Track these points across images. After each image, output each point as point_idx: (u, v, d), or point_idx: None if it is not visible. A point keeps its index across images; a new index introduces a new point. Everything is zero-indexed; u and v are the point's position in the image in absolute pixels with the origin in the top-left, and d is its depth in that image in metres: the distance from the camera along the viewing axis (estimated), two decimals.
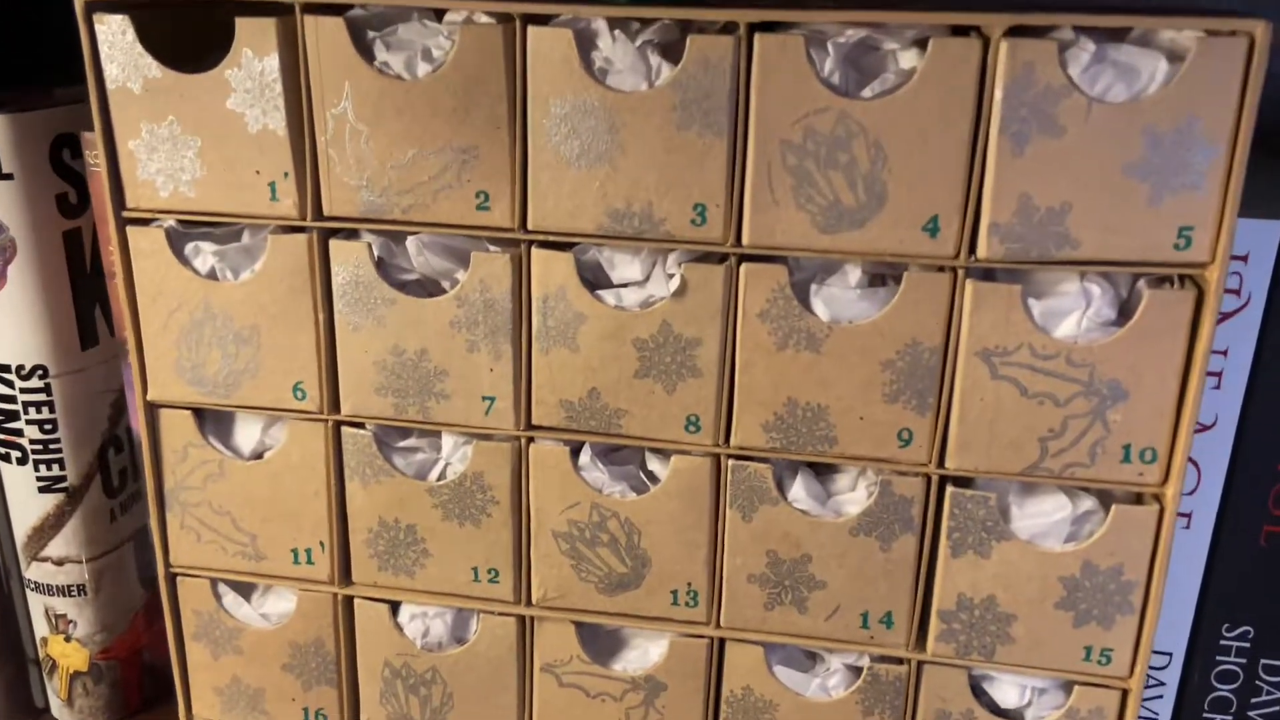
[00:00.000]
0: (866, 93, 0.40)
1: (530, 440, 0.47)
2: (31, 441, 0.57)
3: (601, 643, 0.50)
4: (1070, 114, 0.39)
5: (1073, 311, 0.42)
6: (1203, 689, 0.54)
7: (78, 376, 0.57)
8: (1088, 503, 0.44)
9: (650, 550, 0.47)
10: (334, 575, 0.50)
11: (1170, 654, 0.54)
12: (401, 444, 0.49)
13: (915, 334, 0.42)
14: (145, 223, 0.46)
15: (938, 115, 0.40)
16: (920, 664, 0.47)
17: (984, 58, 0.39)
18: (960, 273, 0.42)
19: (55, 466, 0.58)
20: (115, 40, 0.43)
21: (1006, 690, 0.47)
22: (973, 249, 0.41)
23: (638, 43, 0.41)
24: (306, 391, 0.47)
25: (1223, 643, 0.53)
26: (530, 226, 0.43)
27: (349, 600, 0.51)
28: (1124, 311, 0.42)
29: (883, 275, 0.43)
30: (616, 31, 0.41)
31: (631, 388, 0.45)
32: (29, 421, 0.56)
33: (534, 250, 0.44)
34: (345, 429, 0.48)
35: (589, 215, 0.43)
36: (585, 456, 0.47)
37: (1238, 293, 0.48)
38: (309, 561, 0.50)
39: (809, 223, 0.42)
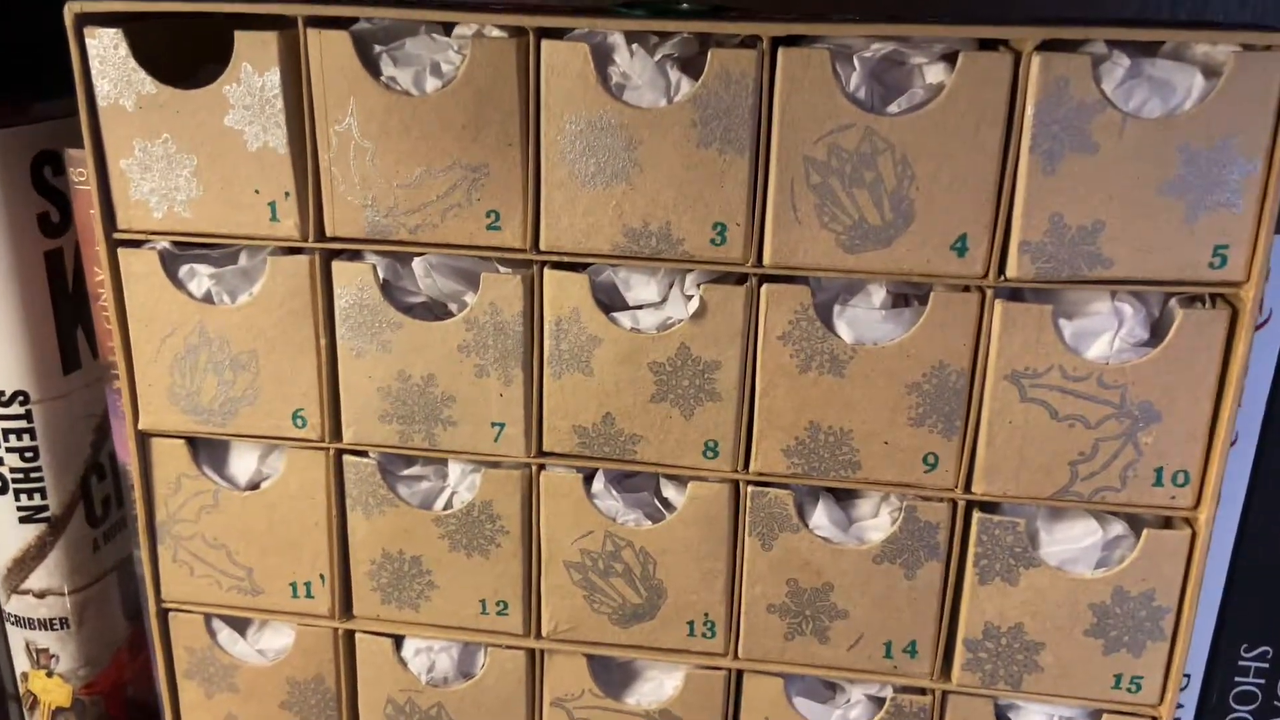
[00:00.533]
0: (893, 108, 0.39)
1: (541, 467, 0.45)
2: (12, 470, 0.55)
3: (614, 676, 0.49)
4: (1104, 130, 0.38)
5: (1104, 332, 0.40)
6: (1221, 710, 0.53)
7: (59, 402, 0.55)
8: (1118, 527, 0.43)
9: (666, 580, 0.45)
10: (335, 609, 0.48)
11: (1189, 675, 0.53)
12: (406, 472, 0.47)
13: (942, 356, 0.41)
14: (137, 244, 0.44)
15: (967, 131, 0.39)
16: (945, 694, 0.46)
17: (1015, 72, 0.38)
18: (989, 293, 0.40)
19: (36, 496, 0.55)
20: (107, 55, 0.41)
21: None
22: (1002, 269, 0.40)
23: (656, 57, 0.40)
24: (307, 419, 0.45)
25: (1241, 663, 0.52)
26: (543, 247, 0.42)
27: (350, 635, 0.49)
28: (1155, 332, 0.41)
29: (908, 296, 0.42)
30: (634, 45, 0.40)
31: (647, 412, 0.43)
32: (9, 449, 0.54)
33: (547, 271, 0.42)
34: (347, 457, 0.46)
35: (604, 235, 0.41)
36: (599, 484, 0.45)
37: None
38: (308, 595, 0.48)
39: (833, 242, 0.40)
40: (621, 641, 0.47)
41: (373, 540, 0.47)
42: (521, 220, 0.42)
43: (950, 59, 0.39)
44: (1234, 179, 0.38)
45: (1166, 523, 0.43)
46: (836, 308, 0.42)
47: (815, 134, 0.39)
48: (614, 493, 0.45)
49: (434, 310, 0.45)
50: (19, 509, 0.55)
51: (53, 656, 0.58)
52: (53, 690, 0.59)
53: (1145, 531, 0.42)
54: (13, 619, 0.57)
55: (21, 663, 0.59)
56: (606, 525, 0.45)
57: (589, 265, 0.43)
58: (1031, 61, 0.38)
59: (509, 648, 0.48)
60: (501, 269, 0.43)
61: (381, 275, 0.43)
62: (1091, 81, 0.37)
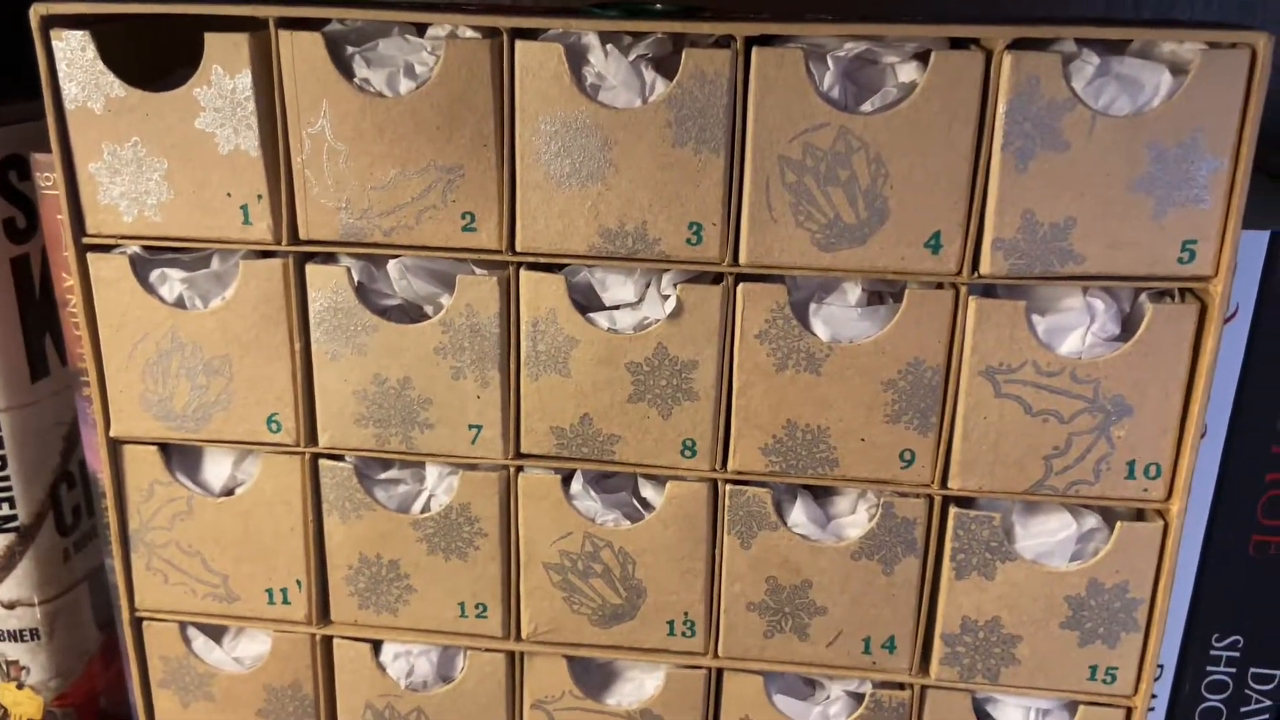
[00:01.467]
0: (866, 107, 0.39)
1: (519, 469, 0.45)
2: None
3: (594, 677, 0.49)
4: (1074, 128, 0.38)
5: (1077, 327, 0.41)
6: (1193, 699, 0.54)
7: (28, 410, 0.54)
8: (1092, 520, 0.44)
9: (645, 580, 0.45)
10: (311, 615, 0.48)
11: (1162, 665, 0.53)
12: (383, 476, 0.47)
13: (917, 353, 0.41)
14: (107, 249, 0.44)
15: (939, 130, 0.39)
16: (924, 689, 0.46)
17: (986, 71, 0.38)
18: (963, 289, 0.41)
19: (5, 505, 0.55)
20: (74, 57, 0.41)
21: (1010, 712, 0.46)
22: (975, 265, 0.40)
23: (631, 57, 0.40)
24: (282, 424, 0.45)
25: (1213, 653, 0.53)
26: (519, 248, 0.42)
27: (328, 640, 0.48)
28: (1126, 327, 0.41)
29: (882, 293, 0.43)
30: (609, 46, 0.40)
31: (625, 413, 0.43)
32: None
33: (523, 272, 0.42)
34: (323, 461, 0.46)
35: (580, 235, 0.41)
36: (577, 484, 0.45)
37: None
38: (285, 601, 0.48)
39: (808, 240, 0.41)
40: (601, 642, 0.47)
41: (349, 545, 0.47)
42: (497, 221, 0.42)
43: (923, 58, 0.39)
44: (1202, 175, 0.38)
45: (1139, 515, 0.44)
46: (812, 306, 0.42)
47: (790, 133, 0.39)
48: (592, 493, 0.45)
49: (409, 313, 0.44)
50: None
51: (23, 669, 0.57)
52: (24, 703, 0.58)
53: (1118, 524, 0.43)
54: None
55: None
56: (585, 526, 0.45)
57: (565, 266, 0.42)
58: (1003, 60, 0.38)
59: (489, 650, 0.47)
60: (477, 270, 0.43)
61: (356, 278, 0.43)
62: (1062, 80, 0.38)
